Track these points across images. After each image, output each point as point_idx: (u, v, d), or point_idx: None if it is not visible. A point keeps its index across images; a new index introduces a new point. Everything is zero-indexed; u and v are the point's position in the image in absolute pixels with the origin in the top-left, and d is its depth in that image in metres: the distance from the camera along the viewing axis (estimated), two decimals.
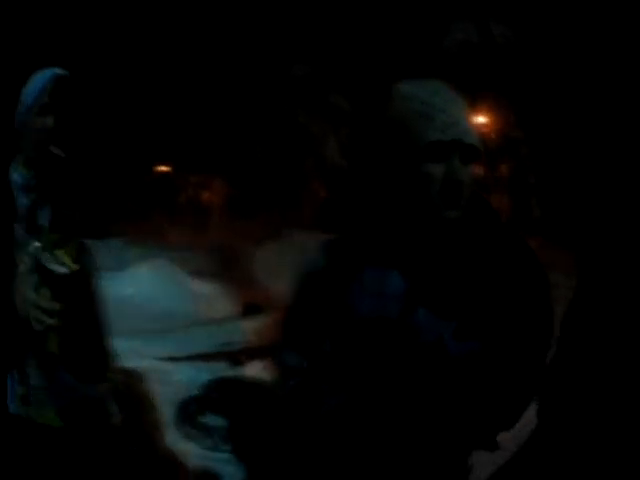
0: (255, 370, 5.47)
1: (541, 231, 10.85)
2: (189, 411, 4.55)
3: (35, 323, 2.26)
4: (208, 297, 8.56)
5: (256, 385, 4.96)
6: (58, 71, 2.37)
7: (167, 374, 5.22)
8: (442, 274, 1.77)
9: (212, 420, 4.46)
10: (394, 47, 9.86)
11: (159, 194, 14.25)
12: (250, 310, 8.32)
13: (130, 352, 4.26)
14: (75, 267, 2.35)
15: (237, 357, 6.27)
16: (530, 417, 1.93)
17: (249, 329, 7.29)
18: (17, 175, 2.37)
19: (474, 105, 11.99)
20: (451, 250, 1.78)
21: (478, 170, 1.76)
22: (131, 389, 3.67)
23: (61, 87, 2.35)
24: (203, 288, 8.82)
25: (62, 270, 2.33)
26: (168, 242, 11.32)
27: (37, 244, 2.34)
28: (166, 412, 4.39)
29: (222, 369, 5.87)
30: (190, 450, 4.25)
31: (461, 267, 1.77)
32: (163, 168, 15.67)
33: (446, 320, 1.74)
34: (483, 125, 12.70)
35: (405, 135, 1.74)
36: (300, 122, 10.71)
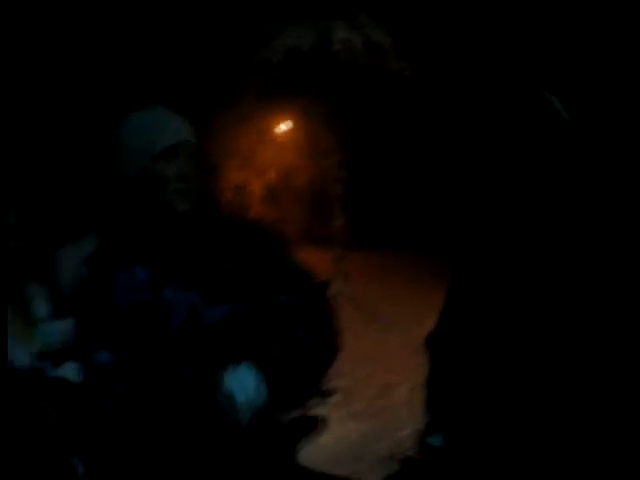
0: (69, 371, 5.11)
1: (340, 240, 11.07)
2: None
3: None
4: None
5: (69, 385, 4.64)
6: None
7: None
8: (180, 256, 2.10)
9: None
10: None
11: None
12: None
13: None
14: None
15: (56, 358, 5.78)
16: None
17: (56, 330, 6.78)
18: None
19: (285, 111, 11.96)
20: (185, 234, 2.13)
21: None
22: None
23: None
24: None
25: None
26: None
27: None
28: None
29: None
30: None
31: (196, 245, 2.12)
32: None
33: (192, 290, 2.05)
34: (286, 133, 12.75)
35: (141, 148, 2.14)
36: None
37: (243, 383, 2.00)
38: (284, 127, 12.77)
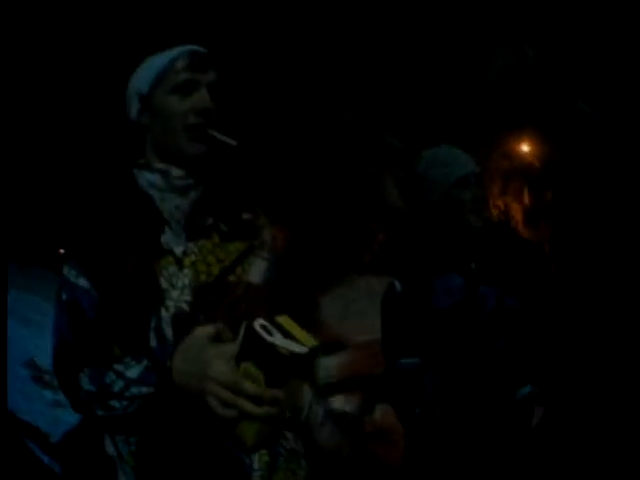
0: (339, 403, 5.70)
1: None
2: None
3: (222, 407, 1.45)
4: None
5: (342, 416, 5.19)
6: (194, 48, 1.79)
7: None
8: (486, 264, 2.58)
9: None
10: (442, 80, 9.88)
11: None
12: (328, 349, 8.41)
13: None
14: (313, 343, 1.42)
15: (321, 392, 6.27)
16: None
17: (330, 366, 7.41)
18: (155, 175, 1.75)
19: (519, 133, 12.04)
20: (485, 247, 2.59)
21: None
22: None
23: (203, 63, 1.77)
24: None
25: (297, 349, 1.37)
26: None
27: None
28: None
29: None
30: None
31: (496, 255, 2.59)
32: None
33: (498, 287, 2.55)
34: (527, 153, 12.80)
35: (439, 176, 2.63)
36: (357, 164, 10.80)
37: None
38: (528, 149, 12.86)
